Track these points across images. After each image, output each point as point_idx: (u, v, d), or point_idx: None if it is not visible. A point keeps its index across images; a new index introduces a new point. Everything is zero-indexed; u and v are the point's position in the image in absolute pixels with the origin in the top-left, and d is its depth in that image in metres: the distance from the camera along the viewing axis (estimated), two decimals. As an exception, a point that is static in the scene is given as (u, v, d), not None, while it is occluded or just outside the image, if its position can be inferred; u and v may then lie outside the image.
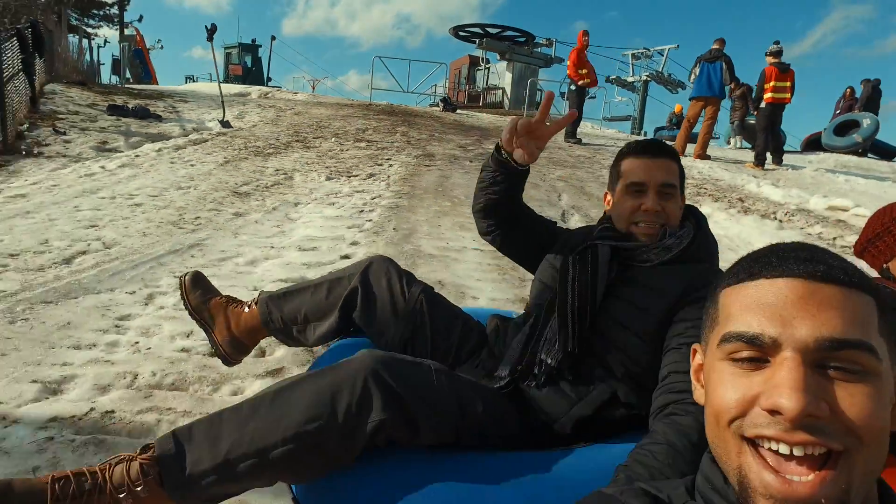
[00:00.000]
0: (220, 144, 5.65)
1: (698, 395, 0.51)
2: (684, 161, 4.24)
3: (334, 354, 1.09)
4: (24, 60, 6.43)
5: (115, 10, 19.88)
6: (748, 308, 0.44)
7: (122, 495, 0.73)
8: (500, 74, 17.42)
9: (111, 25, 19.88)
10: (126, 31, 18.47)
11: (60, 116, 6.86)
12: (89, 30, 18.55)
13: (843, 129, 9.45)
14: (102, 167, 4.45)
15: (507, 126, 1.01)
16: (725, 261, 0.72)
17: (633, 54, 15.41)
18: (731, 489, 0.44)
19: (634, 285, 0.97)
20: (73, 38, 13.10)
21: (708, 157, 7.25)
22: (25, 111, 6.36)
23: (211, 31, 6.65)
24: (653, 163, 1.05)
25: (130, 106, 7.78)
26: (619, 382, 0.92)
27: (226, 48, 22.45)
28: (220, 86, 7.91)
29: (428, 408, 0.79)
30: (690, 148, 7.40)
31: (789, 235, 3.71)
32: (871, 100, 9.70)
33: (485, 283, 2.59)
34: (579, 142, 8.16)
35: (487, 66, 18.00)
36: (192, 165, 4.62)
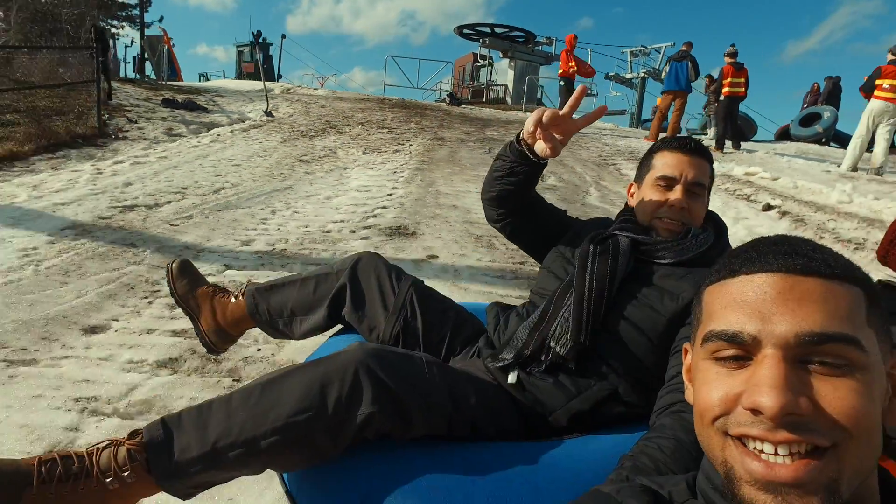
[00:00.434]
0: (273, 129, 7.17)
1: (688, 394, 0.52)
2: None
3: (330, 349, 1.09)
4: (103, 62, 7.99)
5: (135, 11, 21.49)
6: (728, 306, 0.44)
7: (108, 480, 0.73)
8: (503, 71, 18.91)
9: (133, 25, 21.48)
10: (147, 32, 20.00)
11: (126, 109, 8.41)
12: (113, 30, 20.14)
13: (807, 121, 10.90)
14: (199, 142, 5.98)
15: (532, 117, 1.02)
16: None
17: (631, 52, 16.81)
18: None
19: (648, 284, 0.96)
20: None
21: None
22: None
23: (256, 37, 8.14)
24: (686, 159, 1.05)
25: (180, 100, 9.31)
26: (622, 380, 0.92)
27: (237, 46, 23.86)
28: (263, 83, 9.44)
29: (420, 399, 0.80)
30: (669, 137, 8.89)
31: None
32: (833, 95, 11.14)
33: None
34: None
35: (490, 63, 19.43)
36: (259, 143, 6.15)
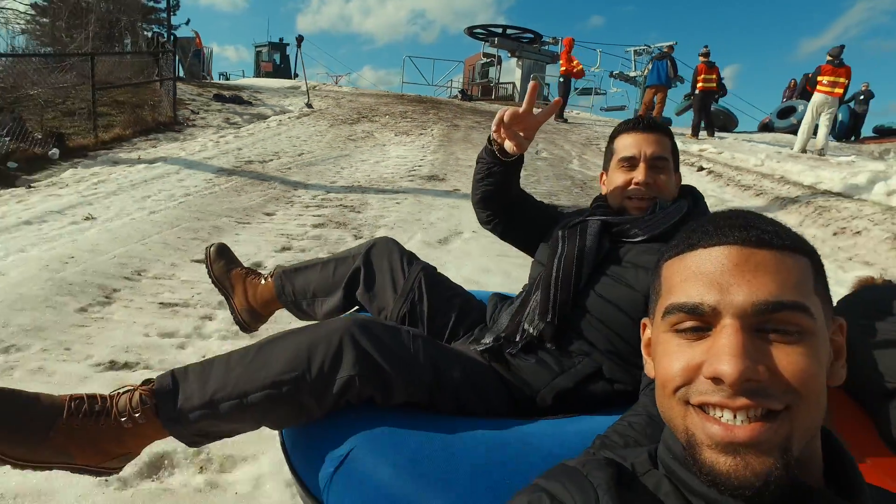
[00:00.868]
0: (318, 117, 8.95)
1: (648, 368, 0.55)
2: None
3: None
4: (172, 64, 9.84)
5: (163, 14, 23.53)
6: (687, 278, 0.47)
7: (123, 419, 0.85)
8: (510, 70, 20.63)
9: (161, 28, 23.53)
10: (177, 34, 21.93)
11: (186, 103, 10.23)
12: (144, 33, 22.14)
13: (784, 113, 12.54)
14: (268, 125, 7.77)
15: (496, 118, 1.10)
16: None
17: (635, 51, 18.47)
18: (688, 454, 0.47)
19: (623, 262, 1.01)
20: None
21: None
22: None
23: (299, 41, 9.95)
24: (643, 136, 1.11)
25: (227, 95, 11.11)
26: (604, 357, 0.97)
27: (256, 47, 25.73)
28: (305, 80, 11.24)
29: (400, 368, 0.86)
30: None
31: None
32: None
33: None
34: (565, 121, 11.35)
35: (499, 62, 21.11)
36: (313, 126, 7.92)
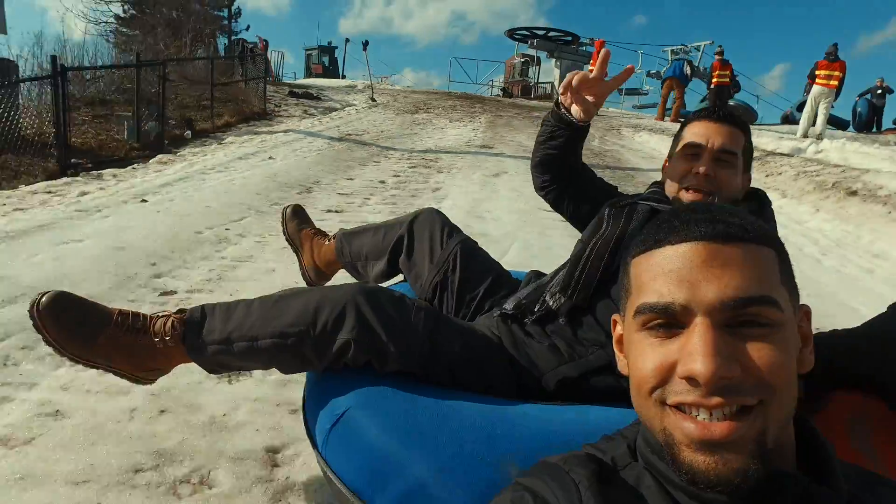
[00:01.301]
0: (384, 109, 11.07)
1: (621, 365, 0.56)
2: (663, 124, 9.45)
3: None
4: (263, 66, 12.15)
5: (226, 22, 26.37)
6: (657, 277, 0.48)
7: (156, 339, 0.99)
8: (548, 70, 22.44)
9: (222, 34, 26.36)
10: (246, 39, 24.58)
11: (267, 98, 12.52)
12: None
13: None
14: (348, 113, 9.94)
15: (564, 80, 1.12)
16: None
17: (671, 50, 20.03)
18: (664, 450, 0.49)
19: None
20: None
21: (679, 120, 12.08)
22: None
23: (365, 45, 12.14)
24: (715, 127, 1.08)
25: (299, 92, 13.37)
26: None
27: (306, 50, 28.19)
28: (370, 78, 13.43)
29: (395, 338, 0.92)
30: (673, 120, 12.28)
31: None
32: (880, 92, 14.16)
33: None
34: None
35: (538, 63, 22.92)
36: (382, 114, 10.04)
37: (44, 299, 0.97)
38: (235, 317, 0.98)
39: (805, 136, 9.92)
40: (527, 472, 0.54)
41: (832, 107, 10.07)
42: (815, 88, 9.86)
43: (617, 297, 0.77)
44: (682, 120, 8.27)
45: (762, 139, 7.34)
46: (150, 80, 7.77)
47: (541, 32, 21.48)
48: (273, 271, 2.66)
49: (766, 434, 0.45)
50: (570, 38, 21.97)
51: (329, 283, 1.50)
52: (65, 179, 4.69)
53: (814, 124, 9.93)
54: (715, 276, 0.46)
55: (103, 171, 5.03)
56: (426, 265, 1.31)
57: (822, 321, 2.23)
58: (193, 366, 1.04)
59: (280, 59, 19.03)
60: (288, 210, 1.64)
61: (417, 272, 1.33)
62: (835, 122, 14.28)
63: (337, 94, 13.92)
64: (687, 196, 1.07)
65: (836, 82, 9.89)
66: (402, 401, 0.87)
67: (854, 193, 4.18)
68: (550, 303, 1.06)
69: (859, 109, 14.19)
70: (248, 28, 27.78)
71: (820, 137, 9.74)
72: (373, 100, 12.46)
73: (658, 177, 1.23)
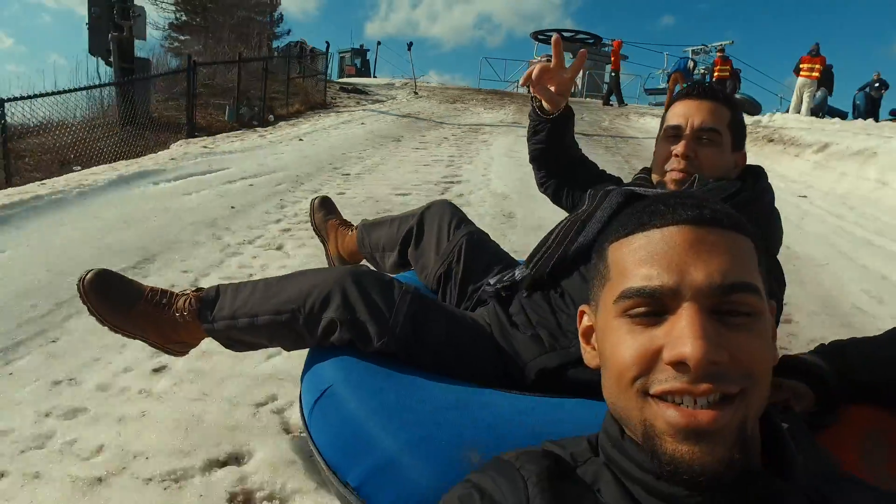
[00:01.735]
0: (425, 99, 13.39)
1: (589, 357, 0.57)
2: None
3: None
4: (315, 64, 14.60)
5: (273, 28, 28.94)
6: (643, 261, 0.48)
7: (177, 314, 1.13)
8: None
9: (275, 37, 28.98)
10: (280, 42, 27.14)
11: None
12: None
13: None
14: (398, 102, 12.29)
15: (525, 73, 1.20)
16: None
17: (692, 50, 21.98)
18: (626, 442, 0.50)
19: None
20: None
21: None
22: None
23: (409, 45, 14.50)
24: (696, 104, 1.08)
25: (349, 87, 15.78)
26: None
27: (339, 52, 30.58)
28: (413, 74, 15.79)
29: (378, 319, 0.99)
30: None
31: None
32: (826, 80, 16.02)
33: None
34: (611, 105, 15.30)
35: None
36: (427, 103, 12.35)
37: (89, 275, 1.14)
38: (242, 295, 1.10)
39: (793, 121, 11.93)
40: (479, 469, 0.55)
41: (815, 95, 12.05)
42: (800, 80, 11.90)
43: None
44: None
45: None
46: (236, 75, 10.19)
47: (566, 35, 23.62)
48: (382, 165, 4.98)
49: (747, 423, 0.45)
50: (592, 40, 24.02)
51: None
52: (238, 132, 7.09)
53: (798, 111, 11.95)
54: (703, 260, 0.47)
55: (237, 135, 7.41)
56: (432, 256, 1.37)
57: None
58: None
59: (330, 59, 21.57)
60: (316, 201, 1.74)
61: (424, 263, 1.39)
62: (835, 114, 16.12)
63: (380, 90, 16.27)
64: (668, 178, 1.08)
65: (817, 74, 12.00)
66: (381, 380, 0.93)
67: (771, 140, 6.34)
68: (516, 274, 1.14)
69: (858, 102, 15.98)
70: (289, 32, 30.41)
71: (804, 122, 11.75)
72: (416, 93, 14.80)
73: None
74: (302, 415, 1.01)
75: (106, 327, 1.16)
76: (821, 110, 16.41)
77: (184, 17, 20.93)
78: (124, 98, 7.93)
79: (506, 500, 0.49)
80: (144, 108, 8.20)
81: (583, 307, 0.60)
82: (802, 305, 2.59)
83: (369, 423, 0.85)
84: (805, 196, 4.72)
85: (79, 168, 5.32)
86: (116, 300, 1.15)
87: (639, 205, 0.54)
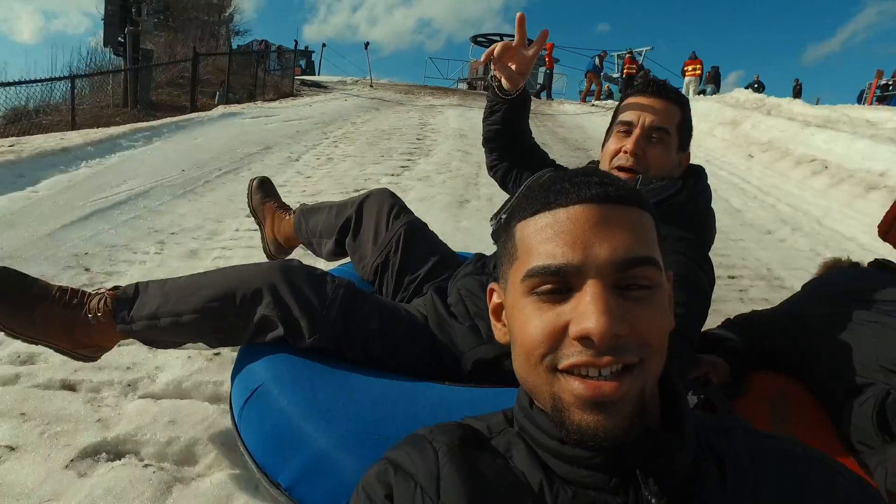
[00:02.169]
0: (382, 91, 15.95)
1: (499, 334, 0.61)
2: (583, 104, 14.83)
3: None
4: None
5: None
6: (548, 239, 0.51)
7: (90, 316, 1.09)
8: None
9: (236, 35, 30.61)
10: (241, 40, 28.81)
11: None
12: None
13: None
14: (362, 91, 14.86)
15: (486, 52, 1.23)
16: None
17: (618, 55, 25.54)
18: (535, 412, 0.55)
19: None
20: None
21: (587, 100, 17.44)
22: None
23: (366, 45, 17.11)
24: (649, 102, 1.15)
25: (309, 82, 18.13)
26: None
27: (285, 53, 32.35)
28: (370, 71, 18.33)
29: (309, 314, 1.00)
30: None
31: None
32: (714, 78, 19.85)
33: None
34: (539, 98, 18.42)
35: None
36: (384, 93, 14.90)
37: None
38: (164, 293, 1.08)
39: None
40: (395, 445, 0.57)
41: (698, 88, 15.54)
42: (686, 79, 15.40)
43: None
44: (591, 101, 15.27)
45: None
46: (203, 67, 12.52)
47: (497, 38, 26.73)
48: (374, 120, 7.65)
49: (645, 391, 0.50)
50: (529, 42, 27.19)
51: (287, 258, 1.51)
52: (245, 104, 9.50)
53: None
54: (606, 237, 0.50)
55: (253, 105, 9.82)
56: (369, 247, 1.39)
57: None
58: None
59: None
60: (254, 182, 1.75)
61: (362, 253, 1.41)
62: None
63: (336, 86, 18.73)
64: (615, 174, 1.06)
65: (699, 72, 15.62)
66: (313, 376, 0.94)
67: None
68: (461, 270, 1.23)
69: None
70: (246, 32, 32.18)
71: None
72: (371, 86, 17.38)
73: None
74: (232, 416, 1.01)
75: (4, 332, 1.09)
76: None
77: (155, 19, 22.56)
78: (135, 82, 10.09)
79: (417, 470, 0.53)
80: (147, 92, 10.39)
81: (492, 285, 0.62)
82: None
83: (301, 421, 0.86)
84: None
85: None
86: (15, 301, 1.07)
87: (545, 183, 0.56)
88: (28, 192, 3.45)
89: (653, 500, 0.49)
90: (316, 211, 1.56)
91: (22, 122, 7.20)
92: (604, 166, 1.21)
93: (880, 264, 1.30)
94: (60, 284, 1.14)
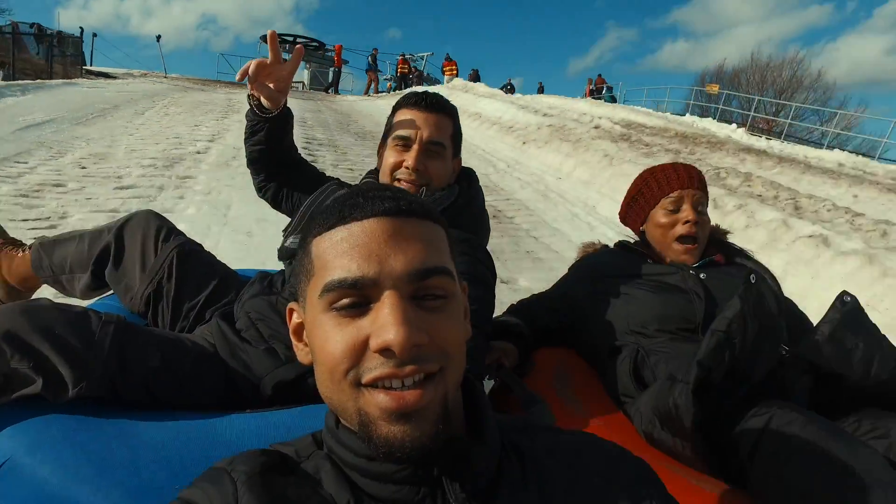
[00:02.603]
0: (180, 81, 17.60)
1: (301, 355, 0.61)
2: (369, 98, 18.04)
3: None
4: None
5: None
6: (344, 253, 0.53)
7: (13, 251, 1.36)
8: (299, 73, 29.90)
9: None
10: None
11: (73, 72, 18.00)
12: None
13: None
14: (158, 80, 16.40)
15: (240, 70, 1.20)
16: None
17: (403, 59, 29.33)
18: (341, 431, 0.57)
19: None
20: None
21: (368, 94, 20.98)
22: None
23: (158, 38, 18.44)
24: (424, 116, 1.20)
25: (95, 71, 18.88)
26: None
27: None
28: (163, 63, 19.42)
29: (71, 360, 0.86)
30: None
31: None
32: (475, 78, 24.71)
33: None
34: (328, 93, 21.41)
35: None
36: (183, 82, 16.70)
37: None
38: None
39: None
40: (190, 483, 0.56)
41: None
42: (446, 77, 19.67)
43: None
44: (370, 94, 20.46)
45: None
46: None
47: (290, 38, 28.84)
48: (183, 99, 10.06)
49: (447, 397, 0.53)
50: (316, 45, 29.40)
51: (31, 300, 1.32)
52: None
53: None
54: (401, 249, 0.52)
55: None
56: (137, 275, 1.29)
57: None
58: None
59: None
60: None
61: (128, 284, 1.30)
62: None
63: (125, 77, 19.68)
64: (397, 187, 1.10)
65: (455, 71, 20.04)
66: (81, 432, 0.82)
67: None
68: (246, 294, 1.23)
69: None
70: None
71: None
72: (166, 77, 18.79)
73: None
74: None
75: None
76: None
77: None
78: None
79: None
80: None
81: (291, 304, 0.63)
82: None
83: (72, 487, 0.75)
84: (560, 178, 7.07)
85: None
86: None
87: (339, 198, 0.58)
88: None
89: None
90: (60, 243, 1.39)
91: None
92: (384, 178, 1.27)
93: (623, 245, 1.57)
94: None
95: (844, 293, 1.17)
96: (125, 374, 0.93)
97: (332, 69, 21.74)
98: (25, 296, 1.47)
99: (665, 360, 1.26)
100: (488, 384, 1.29)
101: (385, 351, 0.50)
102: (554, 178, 6.33)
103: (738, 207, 4.57)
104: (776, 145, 9.47)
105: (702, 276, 1.39)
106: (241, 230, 3.62)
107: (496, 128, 9.13)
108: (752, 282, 1.12)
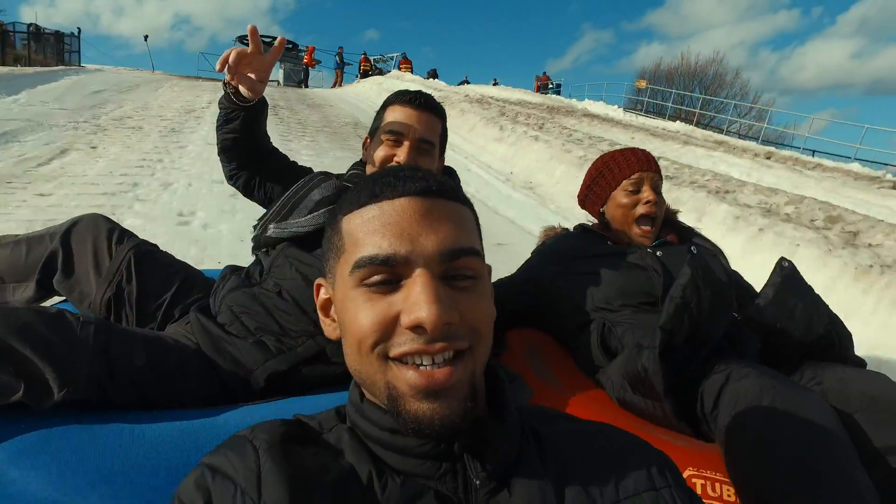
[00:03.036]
0: (169, 75, 20.78)
1: (329, 330, 0.64)
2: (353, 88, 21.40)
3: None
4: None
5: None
6: (376, 231, 0.55)
7: None
8: (274, 72, 32.67)
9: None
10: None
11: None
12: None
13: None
14: (141, 71, 19.60)
15: (221, 57, 1.21)
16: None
17: (374, 59, 32.36)
18: (365, 405, 0.59)
19: None
20: None
21: (337, 87, 24.36)
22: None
23: (146, 38, 21.59)
24: (417, 114, 1.25)
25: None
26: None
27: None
28: (151, 62, 22.48)
29: (54, 363, 0.84)
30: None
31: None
32: (433, 76, 28.07)
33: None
34: (299, 87, 24.61)
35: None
36: (174, 76, 19.91)
37: None
38: None
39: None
40: (213, 450, 0.58)
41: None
42: (405, 74, 23.05)
43: (314, 276, 0.94)
44: (338, 87, 24.86)
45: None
46: None
47: (267, 39, 31.82)
48: (176, 86, 13.76)
49: (475, 375, 0.56)
50: (290, 46, 32.34)
51: None
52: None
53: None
54: (433, 229, 0.55)
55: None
56: (92, 280, 1.27)
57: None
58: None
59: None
60: None
61: (83, 291, 1.28)
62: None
63: (106, 71, 22.74)
64: None
65: (410, 69, 23.40)
66: (70, 440, 0.79)
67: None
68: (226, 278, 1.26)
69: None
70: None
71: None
72: (153, 70, 21.93)
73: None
74: None
75: None
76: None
77: None
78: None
79: (237, 473, 0.53)
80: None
81: (319, 280, 0.66)
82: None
83: (63, 499, 0.74)
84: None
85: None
86: None
87: (370, 177, 0.61)
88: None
89: (478, 483, 0.55)
90: None
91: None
92: (373, 170, 1.30)
93: (584, 228, 1.65)
94: None
95: (783, 259, 1.33)
96: (113, 374, 0.92)
97: (303, 67, 24.95)
98: None
99: (630, 329, 1.36)
100: None
101: (416, 328, 0.53)
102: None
103: (546, 142, 7.50)
104: (644, 121, 12.53)
105: (658, 253, 1.51)
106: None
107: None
108: (695, 252, 1.34)
